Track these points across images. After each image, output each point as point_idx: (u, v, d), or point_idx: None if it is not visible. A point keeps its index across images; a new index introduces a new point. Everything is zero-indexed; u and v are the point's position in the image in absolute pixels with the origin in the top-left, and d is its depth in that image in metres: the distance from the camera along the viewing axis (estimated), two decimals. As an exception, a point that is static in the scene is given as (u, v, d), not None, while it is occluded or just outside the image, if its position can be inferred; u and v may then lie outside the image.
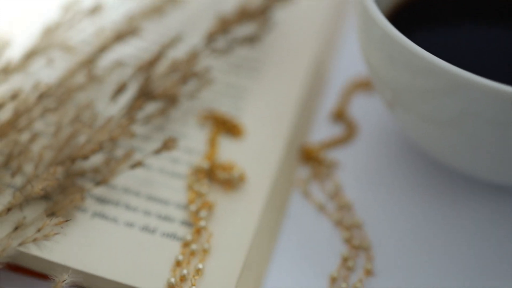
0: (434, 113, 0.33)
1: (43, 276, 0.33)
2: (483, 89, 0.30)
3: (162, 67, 0.39)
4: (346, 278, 0.34)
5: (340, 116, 0.41)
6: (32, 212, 0.34)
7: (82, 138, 0.35)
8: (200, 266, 0.33)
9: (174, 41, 0.39)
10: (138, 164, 0.35)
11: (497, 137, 0.32)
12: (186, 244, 0.33)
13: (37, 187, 0.32)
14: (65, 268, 0.32)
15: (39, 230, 0.31)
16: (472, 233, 0.36)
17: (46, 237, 0.30)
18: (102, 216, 0.34)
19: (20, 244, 0.30)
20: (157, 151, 0.35)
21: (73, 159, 0.34)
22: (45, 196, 0.34)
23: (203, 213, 0.34)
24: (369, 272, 0.34)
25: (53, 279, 0.31)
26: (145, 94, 0.38)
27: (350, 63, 0.43)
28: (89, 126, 0.36)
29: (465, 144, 0.33)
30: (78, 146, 0.35)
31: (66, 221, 0.31)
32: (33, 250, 0.32)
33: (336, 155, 0.39)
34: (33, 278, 0.34)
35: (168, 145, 0.35)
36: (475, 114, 0.31)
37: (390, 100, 0.36)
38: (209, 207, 0.35)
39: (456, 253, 0.35)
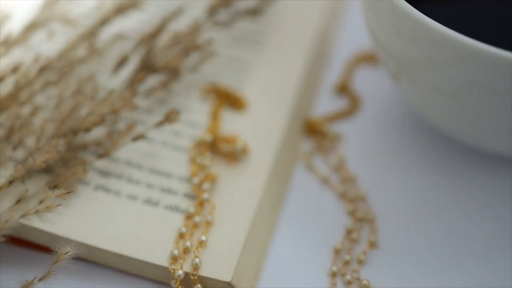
0: (440, 84, 0.33)
1: (46, 249, 0.33)
2: (491, 58, 0.30)
3: (163, 40, 0.39)
4: (350, 250, 0.34)
5: (344, 89, 0.41)
6: (34, 185, 0.33)
7: (84, 111, 0.35)
8: (203, 238, 0.32)
9: (175, 14, 0.39)
10: (140, 137, 0.35)
11: (504, 107, 0.32)
12: (189, 217, 0.33)
13: (39, 160, 0.32)
14: (67, 241, 0.32)
15: (41, 202, 0.30)
16: (477, 205, 0.35)
17: (49, 208, 0.30)
18: (105, 189, 0.34)
19: (22, 216, 0.30)
20: (160, 124, 0.35)
21: (75, 132, 0.34)
22: (47, 169, 0.34)
23: (206, 186, 0.34)
24: (373, 244, 0.34)
25: (56, 252, 0.31)
26: (146, 67, 0.37)
27: (354, 36, 0.43)
28: (91, 98, 0.35)
29: (471, 114, 0.33)
30: (80, 119, 0.34)
31: (68, 193, 0.31)
32: (36, 222, 0.32)
33: (340, 128, 0.39)
34: (36, 251, 0.33)
35: (170, 117, 0.35)
36: (482, 84, 0.31)
37: (395, 72, 0.35)
38: (212, 179, 0.34)
39: (461, 224, 0.35)
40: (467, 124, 0.34)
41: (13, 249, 0.34)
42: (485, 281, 0.33)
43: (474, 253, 0.34)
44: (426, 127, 0.39)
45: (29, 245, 0.34)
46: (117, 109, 0.34)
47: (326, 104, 0.40)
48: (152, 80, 0.38)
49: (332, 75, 0.41)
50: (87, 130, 0.34)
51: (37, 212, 0.30)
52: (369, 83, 0.41)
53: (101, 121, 0.34)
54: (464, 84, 0.32)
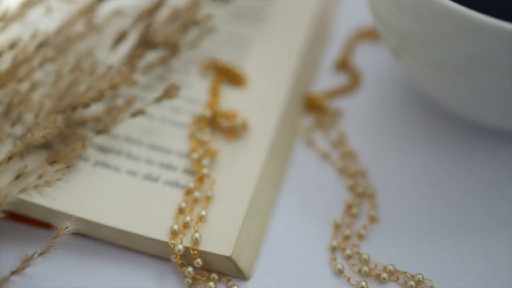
0: (441, 59, 0.32)
1: (46, 226, 0.33)
2: (493, 31, 0.29)
3: (162, 15, 0.38)
4: (350, 225, 0.34)
5: (344, 65, 0.40)
6: (33, 162, 0.33)
7: (82, 87, 0.35)
8: (203, 213, 0.32)
9: (174, -11, 0.39)
10: (139, 112, 0.34)
11: (506, 81, 0.31)
12: (189, 192, 0.33)
13: (38, 135, 0.32)
14: (67, 216, 0.32)
15: (40, 177, 0.30)
16: (476, 180, 0.35)
17: (48, 183, 0.30)
18: (104, 165, 0.34)
19: (21, 191, 0.30)
20: (159, 99, 0.35)
21: (73, 108, 0.34)
22: (46, 146, 0.34)
23: (205, 161, 0.34)
24: (373, 219, 0.34)
25: (56, 227, 0.31)
26: (145, 43, 0.37)
27: (354, 12, 0.42)
28: (90, 74, 0.35)
29: (472, 89, 0.33)
30: (78, 95, 0.34)
31: (68, 167, 0.30)
32: (35, 198, 0.32)
33: (340, 104, 0.39)
34: (36, 227, 0.33)
35: (169, 92, 0.35)
36: (483, 58, 0.31)
37: (396, 48, 0.35)
38: (212, 155, 0.34)
39: (460, 199, 0.35)
40: (468, 99, 0.34)
41: (13, 225, 0.34)
42: (484, 254, 0.33)
43: (474, 228, 0.34)
44: (426, 102, 0.38)
45: (29, 222, 0.34)
46: (116, 84, 0.34)
47: (326, 80, 0.40)
48: (151, 56, 0.38)
49: (333, 51, 0.41)
50: (86, 105, 0.34)
51: (36, 187, 0.30)
52: (369, 59, 0.41)
53: (99, 96, 0.34)
54: (465, 58, 0.31)
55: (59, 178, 0.30)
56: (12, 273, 0.30)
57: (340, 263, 0.32)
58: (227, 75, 0.38)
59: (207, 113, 0.36)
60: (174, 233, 0.32)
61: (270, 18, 0.41)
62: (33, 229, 0.34)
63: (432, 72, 0.34)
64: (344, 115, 0.38)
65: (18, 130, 0.34)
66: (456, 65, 0.32)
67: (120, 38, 0.37)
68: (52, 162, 0.33)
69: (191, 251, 0.31)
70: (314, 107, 0.38)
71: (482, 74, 0.32)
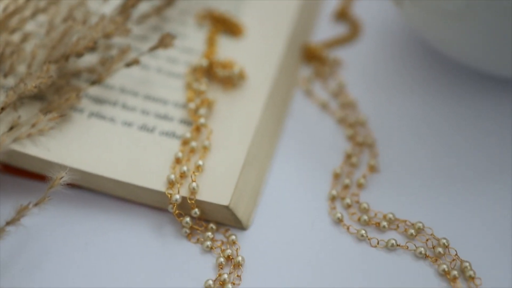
0: (443, 4, 0.32)
1: (42, 178, 0.32)
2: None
3: (157, -36, 0.37)
4: (350, 174, 0.33)
5: (343, 15, 0.40)
6: (27, 113, 0.33)
7: (75, 37, 0.34)
8: (200, 162, 0.32)
9: None
10: (134, 62, 0.34)
11: (508, 26, 0.31)
12: (185, 142, 0.33)
13: (31, 85, 0.31)
14: (62, 167, 0.31)
15: (33, 126, 0.30)
16: (477, 128, 0.35)
17: (41, 132, 0.29)
18: (100, 116, 0.34)
19: (14, 140, 0.29)
20: (154, 48, 0.34)
21: (66, 57, 0.33)
22: (40, 97, 0.33)
23: (202, 111, 0.33)
24: (373, 168, 0.33)
25: (51, 178, 0.30)
26: (139, -8, 0.36)
27: (353, -40, 0.41)
28: (82, 23, 0.34)
29: (473, 35, 0.32)
30: (71, 44, 0.33)
31: (61, 116, 0.30)
32: (30, 149, 0.32)
33: (340, 54, 0.38)
34: (32, 180, 0.33)
35: (165, 41, 0.34)
36: (485, 2, 0.30)
37: (396, -6, 0.34)
38: (209, 104, 0.34)
39: (461, 147, 0.34)
40: (469, 45, 0.33)
41: (10, 178, 0.33)
42: (485, 202, 0.32)
43: (474, 176, 0.33)
44: (427, 51, 0.38)
45: (25, 174, 0.33)
46: (110, 33, 0.33)
47: (325, 30, 0.39)
48: (145, 6, 0.37)
49: (332, 0, 0.40)
50: (79, 55, 0.33)
51: (29, 135, 0.29)
52: (369, 8, 0.40)
53: (93, 45, 0.33)
54: (467, 3, 0.31)
55: (52, 126, 0.30)
56: (8, 223, 0.30)
57: (340, 212, 0.32)
58: (223, 25, 0.37)
59: (204, 62, 0.35)
60: (171, 183, 0.31)
61: (267, -33, 0.40)
62: (29, 182, 0.33)
63: (433, 18, 0.33)
64: (343, 65, 0.37)
65: (11, 81, 0.34)
66: (457, 10, 0.31)
67: (114, -13, 0.36)
68: (46, 112, 0.32)
69: (189, 201, 0.31)
70: (313, 58, 0.38)
71: (483, 19, 0.31)
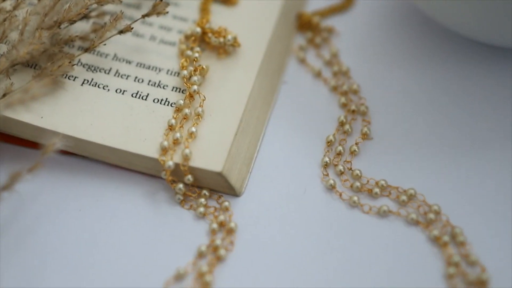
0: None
1: (36, 146, 0.33)
2: None
3: None
4: (343, 141, 0.33)
5: (337, -16, 0.39)
6: (20, 81, 0.33)
7: (68, 4, 0.34)
8: (194, 129, 0.32)
9: None
10: (127, 29, 0.34)
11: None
12: (178, 109, 0.33)
13: (23, 51, 0.31)
14: (55, 134, 0.31)
15: (26, 91, 0.30)
16: (472, 96, 0.35)
17: (34, 97, 0.29)
18: (93, 83, 0.34)
19: (7, 106, 0.29)
20: (147, 15, 0.34)
21: (59, 24, 0.33)
22: (33, 65, 0.33)
23: (195, 78, 0.33)
24: (365, 136, 0.33)
25: (44, 145, 0.30)
26: (132, -40, 0.36)
27: None
28: (75, -10, 0.34)
29: (468, 2, 0.32)
30: (64, 11, 0.33)
31: (54, 80, 0.30)
32: (23, 115, 0.32)
33: (333, 22, 0.38)
34: (26, 147, 0.33)
35: (158, 9, 0.34)
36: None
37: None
38: (202, 71, 0.34)
39: (455, 114, 0.34)
40: (464, 13, 0.33)
41: (3, 145, 0.33)
42: (476, 169, 0.32)
43: (467, 143, 0.33)
44: (420, 19, 0.37)
45: (18, 142, 0.33)
46: (102, 0, 0.33)
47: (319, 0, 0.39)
48: (139, -27, 0.37)
49: (326, -31, 0.40)
50: (72, 21, 0.33)
51: (22, 101, 0.29)
52: (363, -23, 0.40)
53: (85, 11, 0.33)
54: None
55: (45, 92, 0.30)
56: (1, 189, 0.30)
57: (332, 178, 0.32)
58: (217, -7, 0.37)
59: (197, 30, 0.35)
60: (164, 150, 0.31)
61: None
62: (23, 149, 0.33)
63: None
64: (337, 34, 0.37)
65: (3, 48, 0.34)
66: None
67: (106, -46, 0.36)
68: (39, 78, 0.32)
69: (182, 167, 0.31)
70: (307, 26, 0.37)
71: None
